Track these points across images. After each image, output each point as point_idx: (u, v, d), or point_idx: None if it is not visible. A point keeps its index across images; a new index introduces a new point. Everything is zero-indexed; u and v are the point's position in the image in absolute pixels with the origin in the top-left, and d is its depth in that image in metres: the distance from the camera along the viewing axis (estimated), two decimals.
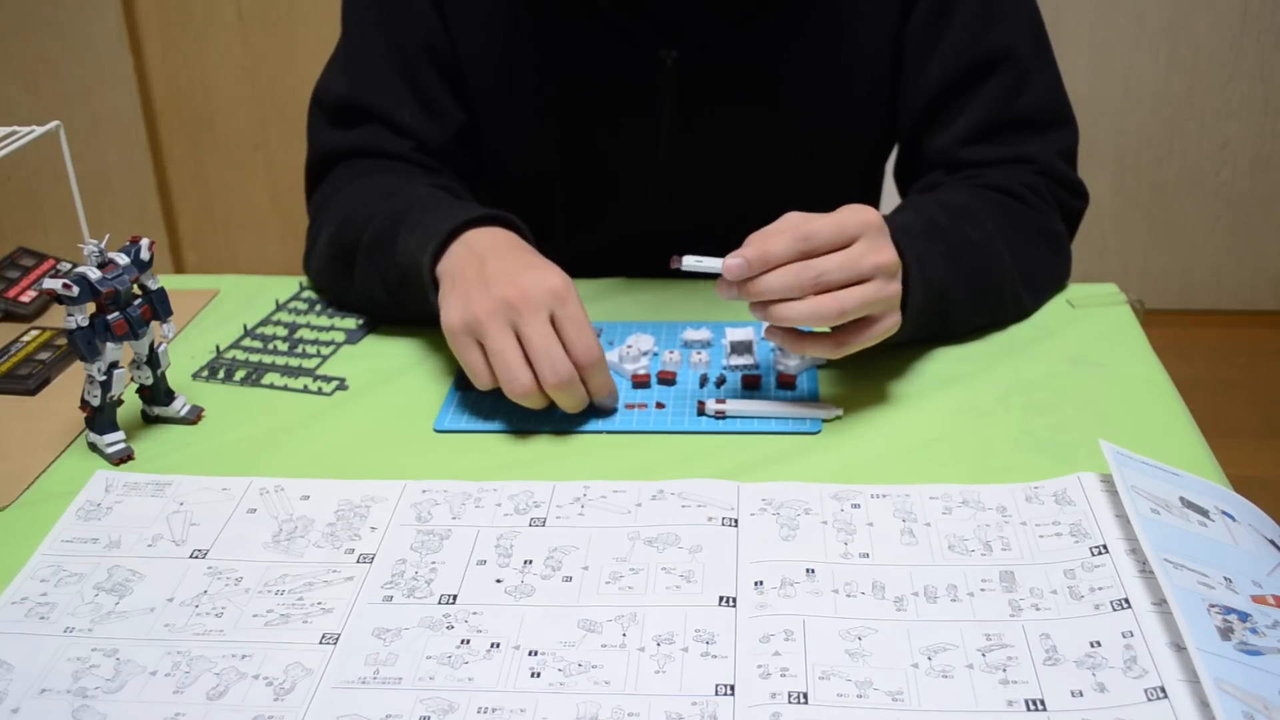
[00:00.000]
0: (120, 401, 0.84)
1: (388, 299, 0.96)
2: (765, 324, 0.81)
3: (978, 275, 0.92)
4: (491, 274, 0.83)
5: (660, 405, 0.87)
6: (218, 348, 0.97)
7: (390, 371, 0.93)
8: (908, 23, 1.02)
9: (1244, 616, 0.61)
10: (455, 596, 0.68)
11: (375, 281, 0.95)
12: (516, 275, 0.82)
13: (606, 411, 0.85)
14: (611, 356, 0.91)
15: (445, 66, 1.06)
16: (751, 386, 0.88)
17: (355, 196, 1.01)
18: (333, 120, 1.08)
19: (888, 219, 0.87)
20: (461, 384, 0.90)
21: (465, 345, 0.82)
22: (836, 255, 0.78)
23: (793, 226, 0.78)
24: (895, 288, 0.81)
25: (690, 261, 0.79)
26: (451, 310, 0.83)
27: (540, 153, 1.09)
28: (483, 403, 0.88)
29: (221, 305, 1.06)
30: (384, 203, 0.96)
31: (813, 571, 0.68)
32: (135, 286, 0.82)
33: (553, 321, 0.81)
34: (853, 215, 0.80)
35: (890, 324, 0.82)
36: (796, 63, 1.03)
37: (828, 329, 0.81)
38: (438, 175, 1.07)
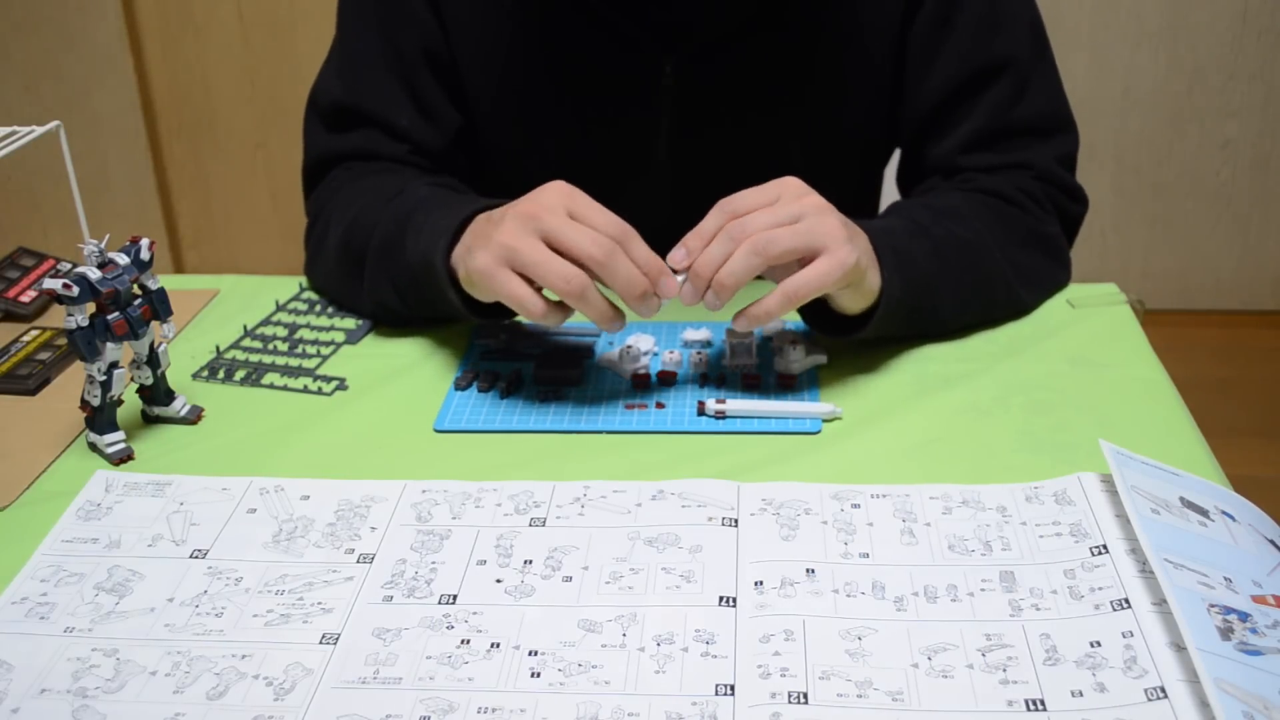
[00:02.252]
0: (120, 401, 0.84)
1: (400, 303, 0.96)
2: (730, 323, 0.84)
3: (966, 270, 0.93)
4: (499, 216, 0.83)
5: (660, 405, 0.87)
6: (218, 348, 0.97)
7: (390, 371, 0.93)
8: (909, 31, 1.02)
9: (1244, 616, 0.61)
10: (455, 596, 0.68)
11: (387, 287, 0.95)
12: (521, 201, 0.83)
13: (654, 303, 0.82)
14: (612, 356, 0.91)
15: (442, 70, 1.06)
16: (751, 386, 0.88)
17: (356, 201, 1.00)
18: (328, 124, 1.07)
19: (871, 223, 0.88)
20: (462, 384, 0.90)
21: (505, 279, 0.81)
22: (762, 210, 0.81)
23: (718, 204, 0.83)
24: (830, 221, 0.81)
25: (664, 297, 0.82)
26: (477, 257, 0.82)
27: (538, 159, 1.09)
28: (483, 403, 0.88)
29: (221, 305, 1.06)
30: (387, 207, 0.96)
31: (813, 571, 0.68)
32: (135, 286, 0.82)
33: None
34: (773, 181, 0.84)
35: (840, 258, 0.80)
36: (796, 71, 1.03)
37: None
38: (437, 178, 1.06)
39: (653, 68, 1.02)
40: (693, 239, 0.82)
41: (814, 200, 0.82)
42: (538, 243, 0.80)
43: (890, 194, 1.14)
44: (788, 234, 0.80)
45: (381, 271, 0.95)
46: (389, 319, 1.00)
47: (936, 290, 0.91)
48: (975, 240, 0.94)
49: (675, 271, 0.82)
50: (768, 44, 1.02)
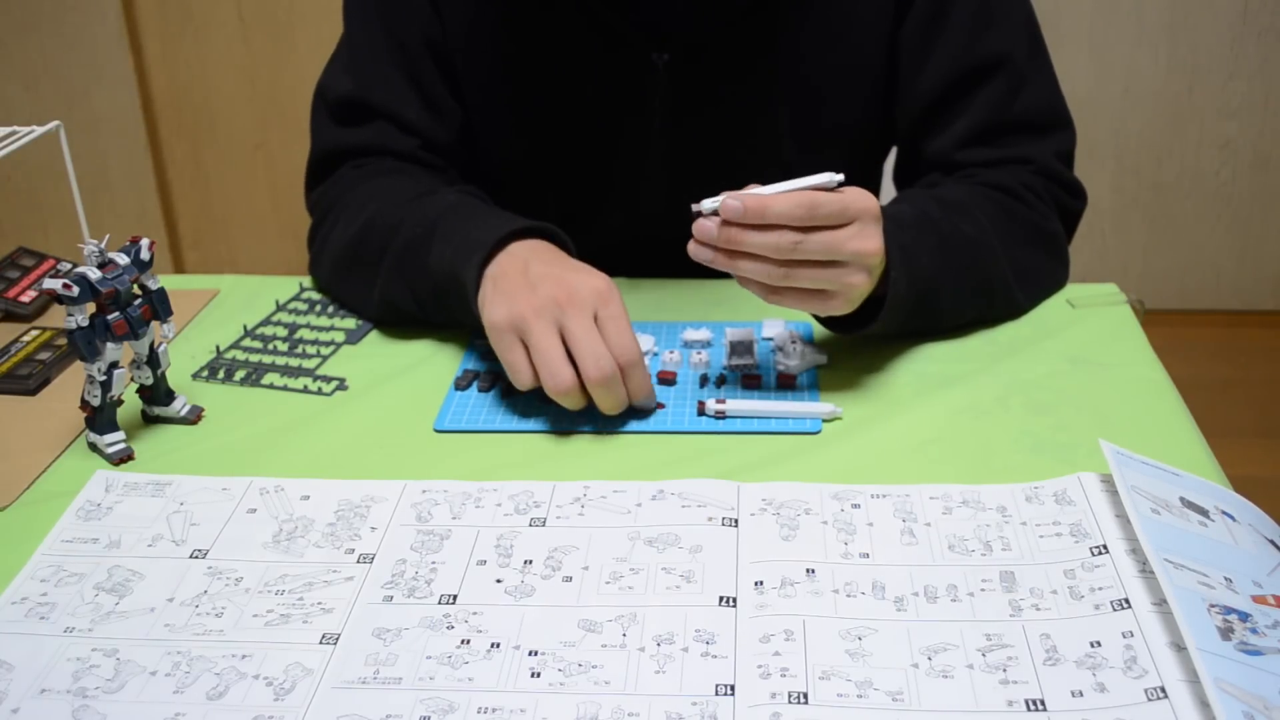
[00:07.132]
0: (120, 401, 0.84)
1: (415, 307, 0.96)
2: (697, 247, 0.81)
3: (968, 269, 0.93)
4: (536, 276, 0.83)
5: (660, 405, 0.87)
6: (218, 348, 0.97)
7: (390, 371, 0.93)
8: (901, 28, 1.02)
9: (1244, 616, 0.61)
10: (455, 596, 0.68)
11: (402, 289, 0.95)
12: (562, 276, 0.83)
13: (645, 413, 0.85)
14: None
15: (444, 62, 1.06)
16: (751, 386, 0.88)
17: (372, 200, 1.00)
18: (337, 117, 1.07)
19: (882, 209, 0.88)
20: (462, 384, 0.90)
21: (509, 344, 0.82)
22: (824, 235, 0.80)
23: (801, 192, 0.79)
24: (859, 279, 0.82)
25: (708, 204, 0.79)
26: (497, 309, 0.83)
27: (532, 154, 1.09)
28: (483, 403, 0.88)
29: (221, 305, 1.06)
30: (412, 208, 0.96)
31: (813, 571, 0.68)
32: (135, 286, 0.82)
33: (596, 322, 0.82)
34: (857, 199, 0.81)
35: (833, 304, 0.83)
36: (788, 66, 1.03)
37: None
38: (445, 174, 1.07)
39: (644, 62, 1.02)
40: (755, 206, 0.77)
41: (870, 249, 0.81)
42: (553, 332, 0.81)
43: (889, 193, 1.14)
44: (805, 279, 0.81)
45: (398, 272, 0.95)
46: (393, 319, 1.00)
47: (939, 287, 0.91)
48: (980, 238, 0.94)
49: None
50: (759, 39, 1.02)
